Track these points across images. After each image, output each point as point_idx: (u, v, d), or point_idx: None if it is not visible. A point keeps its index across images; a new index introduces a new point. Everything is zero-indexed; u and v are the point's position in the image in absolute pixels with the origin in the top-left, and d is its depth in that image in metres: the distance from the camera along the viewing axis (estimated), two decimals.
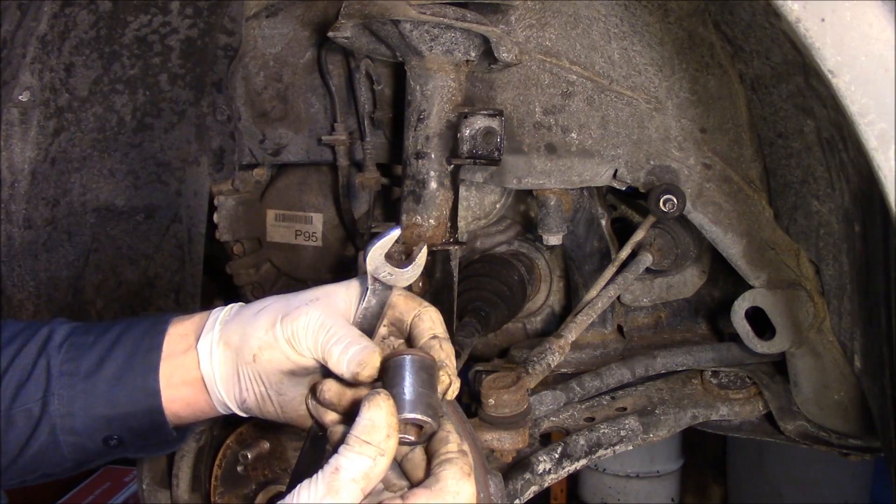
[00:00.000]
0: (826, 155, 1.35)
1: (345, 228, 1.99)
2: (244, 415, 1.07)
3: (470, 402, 1.65)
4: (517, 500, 1.54)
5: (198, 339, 1.04)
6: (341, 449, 0.83)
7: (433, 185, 1.61)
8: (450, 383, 0.96)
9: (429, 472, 0.88)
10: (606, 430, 1.67)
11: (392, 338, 1.05)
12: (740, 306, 1.65)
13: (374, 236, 0.99)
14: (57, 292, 1.63)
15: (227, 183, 1.97)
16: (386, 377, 0.91)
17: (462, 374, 1.69)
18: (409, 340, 1.03)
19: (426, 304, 1.04)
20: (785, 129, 1.46)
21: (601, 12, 1.62)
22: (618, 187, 1.71)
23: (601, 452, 1.66)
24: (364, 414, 0.84)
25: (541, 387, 1.73)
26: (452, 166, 1.62)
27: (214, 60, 1.80)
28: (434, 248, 1.59)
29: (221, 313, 1.06)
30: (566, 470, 1.62)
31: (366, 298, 1.02)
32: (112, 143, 1.67)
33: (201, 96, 1.81)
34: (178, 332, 1.06)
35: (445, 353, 0.98)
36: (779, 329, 1.63)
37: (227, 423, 1.39)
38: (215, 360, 1.03)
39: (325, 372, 0.99)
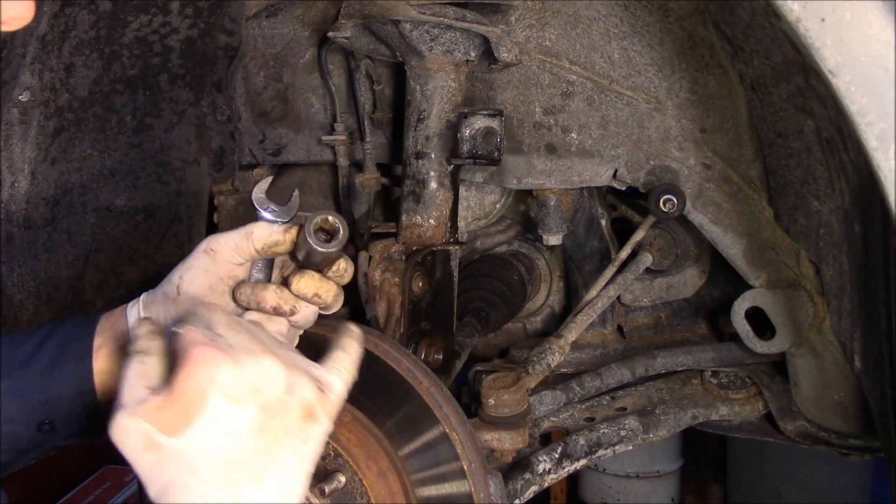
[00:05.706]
0: (826, 155, 1.34)
1: None
2: None
3: (470, 402, 1.65)
4: (517, 500, 1.54)
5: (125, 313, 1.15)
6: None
7: (433, 185, 1.61)
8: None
9: None
10: (606, 430, 1.67)
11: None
12: (740, 306, 1.65)
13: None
14: (57, 292, 1.63)
15: (227, 183, 1.97)
16: None
17: (462, 374, 1.69)
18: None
19: None
20: (785, 129, 1.46)
21: (601, 12, 1.61)
22: (618, 187, 1.71)
23: (601, 452, 1.66)
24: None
25: (541, 387, 1.73)
26: (452, 166, 1.62)
27: (214, 60, 1.80)
28: (434, 248, 1.59)
29: (141, 297, 1.18)
30: (566, 470, 1.62)
31: None
32: (112, 143, 1.67)
33: (201, 96, 1.81)
34: (106, 317, 1.16)
35: None
36: (779, 329, 1.63)
37: None
38: (143, 312, 1.14)
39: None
